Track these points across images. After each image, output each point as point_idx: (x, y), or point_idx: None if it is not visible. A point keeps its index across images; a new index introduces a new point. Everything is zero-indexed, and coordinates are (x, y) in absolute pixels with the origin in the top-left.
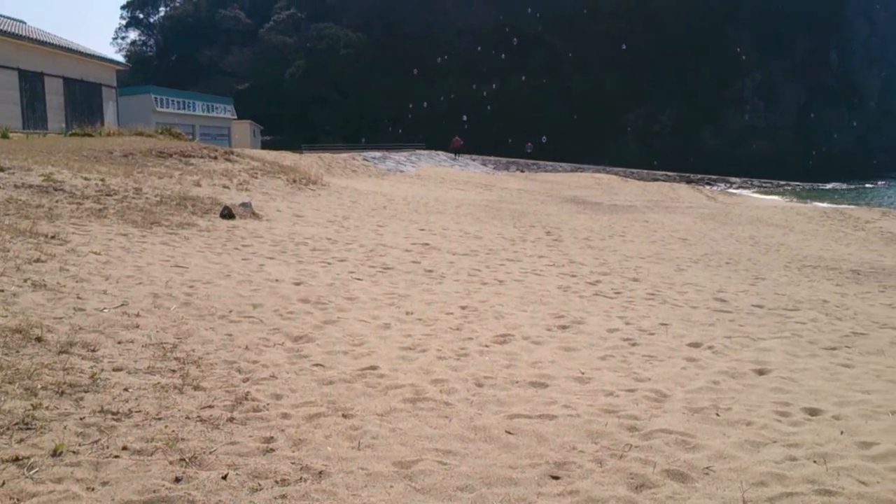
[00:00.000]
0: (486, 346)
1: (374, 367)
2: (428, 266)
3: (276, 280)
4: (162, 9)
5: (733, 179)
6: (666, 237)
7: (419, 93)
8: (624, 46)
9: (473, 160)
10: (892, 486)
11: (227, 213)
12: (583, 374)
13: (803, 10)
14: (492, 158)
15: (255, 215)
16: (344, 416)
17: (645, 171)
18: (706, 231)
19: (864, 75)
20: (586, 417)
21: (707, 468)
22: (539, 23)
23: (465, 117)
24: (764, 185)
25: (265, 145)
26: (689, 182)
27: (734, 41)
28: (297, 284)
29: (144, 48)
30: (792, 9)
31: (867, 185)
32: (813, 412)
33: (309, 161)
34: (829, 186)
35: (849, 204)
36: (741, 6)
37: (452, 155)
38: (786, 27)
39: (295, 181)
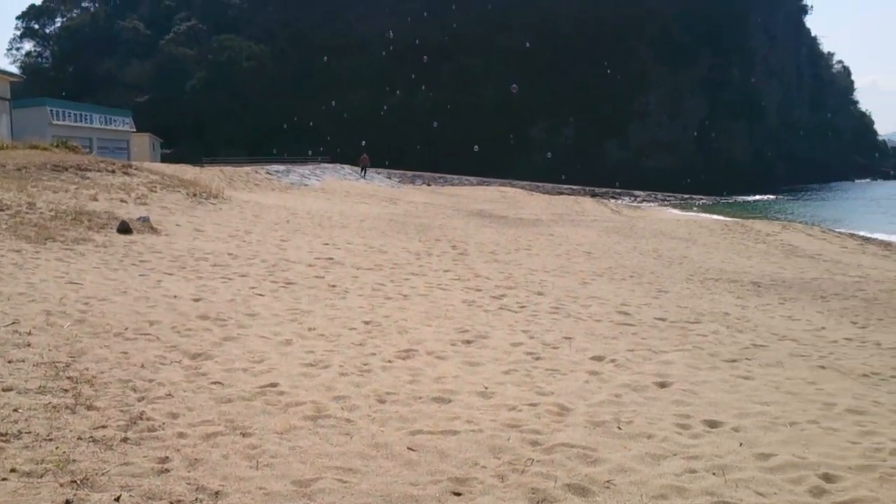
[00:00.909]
0: (390, 361)
1: (274, 385)
2: (331, 281)
3: (175, 296)
4: (58, 19)
5: (638, 193)
6: (571, 251)
7: (324, 105)
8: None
9: (378, 174)
10: (789, 497)
11: (125, 228)
12: (486, 388)
13: (706, 27)
14: (397, 172)
15: (153, 230)
16: (242, 434)
17: (550, 184)
18: (610, 244)
19: (764, 89)
20: (489, 432)
21: (608, 482)
22: (446, 34)
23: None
24: (668, 198)
25: (165, 158)
26: (593, 196)
27: (638, 56)
28: (197, 300)
29: (40, 59)
30: (695, 25)
31: (757, 198)
32: (713, 424)
33: (210, 174)
34: (730, 200)
35: (744, 217)
36: (645, 22)
37: (359, 169)
38: (689, 43)
39: (195, 195)
